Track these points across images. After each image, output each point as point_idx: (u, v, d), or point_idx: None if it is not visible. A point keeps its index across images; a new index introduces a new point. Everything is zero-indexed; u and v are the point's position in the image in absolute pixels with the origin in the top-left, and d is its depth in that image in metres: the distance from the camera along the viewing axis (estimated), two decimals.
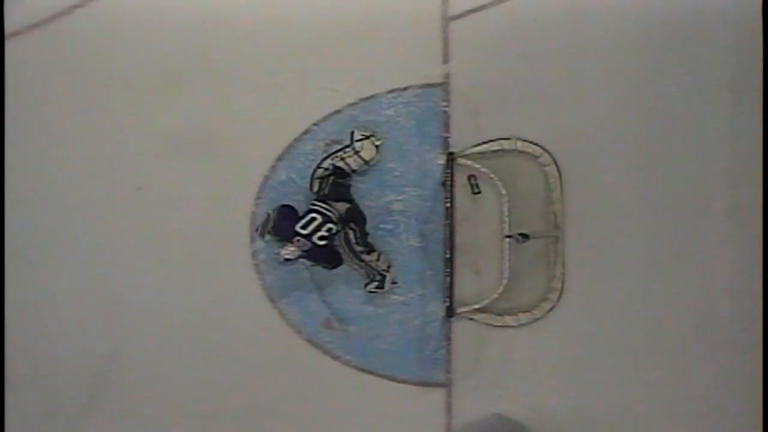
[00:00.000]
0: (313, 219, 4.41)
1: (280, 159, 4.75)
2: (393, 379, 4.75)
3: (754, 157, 4.60)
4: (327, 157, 4.65)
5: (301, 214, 4.48)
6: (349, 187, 4.62)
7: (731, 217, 4.65)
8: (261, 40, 4.75)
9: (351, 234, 4.59)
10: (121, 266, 4.85)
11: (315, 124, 4.73)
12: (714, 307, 4.67)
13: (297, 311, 4.80)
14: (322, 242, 4.41)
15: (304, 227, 4.39)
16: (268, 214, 4.63)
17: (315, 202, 4.48)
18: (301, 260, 4.52)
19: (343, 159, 4.60)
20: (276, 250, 4.50)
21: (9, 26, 4.83)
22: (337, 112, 4.72)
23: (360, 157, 4.59)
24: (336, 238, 4.50)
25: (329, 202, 4.49)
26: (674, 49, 4.68)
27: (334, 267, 4.58)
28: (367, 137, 4.62)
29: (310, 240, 4.39)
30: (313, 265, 4.61)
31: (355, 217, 4.57)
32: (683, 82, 4.67)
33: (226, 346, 4.79)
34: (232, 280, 4.78)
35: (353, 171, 4.63)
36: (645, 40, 4.67)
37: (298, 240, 4.39)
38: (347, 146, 4.62)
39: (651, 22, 4.65)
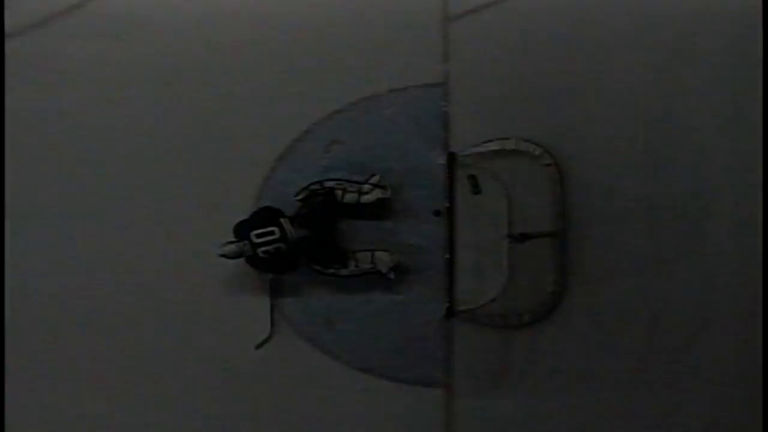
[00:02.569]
0: (272, 232, 4.39)
1: (280, 159, 4.76)
2: (393, 379, 4.75)
3: (754, 157, 4.59)
4: (333, 179, 4.64)
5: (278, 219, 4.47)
6: (329, 217, 4.60)
7: (731, 218, 4.64)
8: (261, 40, 4.76)
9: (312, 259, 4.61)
10: (120, 266, 4.85)
11: (315, 124, 4.73)
12: (714, 307, 4.66)
13: (297, 311, 4.80)
14: (264, 256, 4.40)
15: (259, 236, 4.38)
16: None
17: (284, 219, 4.46)
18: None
19: (344, 190, 4.60)
20: (220, 243, 4.47)
21: (9, 26, 4.84)
22: (338, 111, 4.73)
23: (359, 197, 4.59)
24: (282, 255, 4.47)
25: (295, 224, 4.48)
26: (674, 49, 4.67)
27: (283, 273, 4.56)
28: (381, 187, 4.62)
29: (254, 249, 4.39)
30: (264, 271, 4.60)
31: (310, 246, 4.54)
32: (683, 82, 4.67)
33: (226, 346, 4.79)
34: (233, 280, 4.78)
35: (343, 203, 4.61)
36: (645, 40, 4.67)
37: (244, 243, 4.38)
38: (358, 182, 4.63)
39: (651, 23, 4.65)
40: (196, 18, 4.79)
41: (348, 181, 4.63)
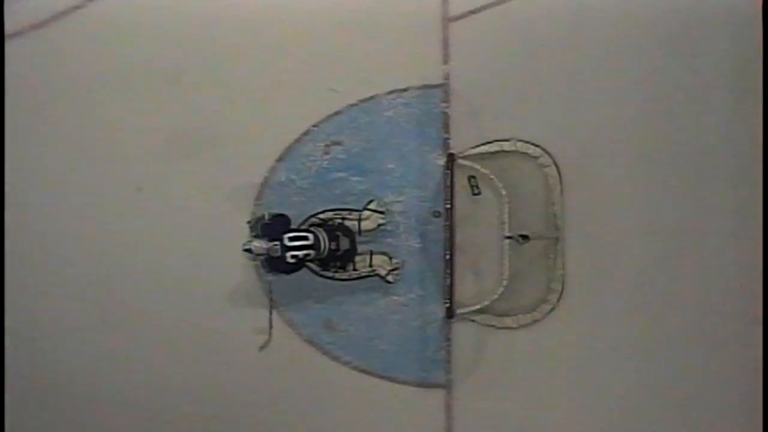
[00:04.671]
0: (305, 238, 4.34)
1: (279, 160, 4.76)
2: (393, 379, 4.76)
3: (754, 157, 4.58)
4: (330, 210, 4.67)
5: (294, 225, 4.44)
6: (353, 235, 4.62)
7: (731, 217, 4.63)
8: (261, 40, 4.76)
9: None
10: (120, 266, 4.85)
11: (315, 125, 4.74)
12: (714, 307, 4.66)
13: (297, 312, 4.81)
14: (292, 260, 4.31)
15: (292, 239, 4.30)
16: (264, 214, 4.56)
17: (318, 229, 4.45)
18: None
19: (343, 219, 4.62)
20: (249, 239, 4.37)
21: (9, 26, 4.83)
22: (337, 113, 4.73)
23: (359, 224, 4.62)
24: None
25: (337, 234, 4.48)
26: (674, 49, 4.66)
27: (288, 274, 4.48)
28: (379, 212, 4.67)
29: (283, 251, 4.29)
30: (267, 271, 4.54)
31: (344, 256, 4.56)
32: (683, 82, 4.66)
33: (225, 346, 4.80)
34: (232, 280, 4.79)
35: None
36: (645, 40, 4.66)
37: (275, 245, 4.29)
38: (356, 209, 4.67)
39: (651, 22, 4.64)
40: (196, 19, 4.78)
41: (345, 209, 4.67)
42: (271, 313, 4.63)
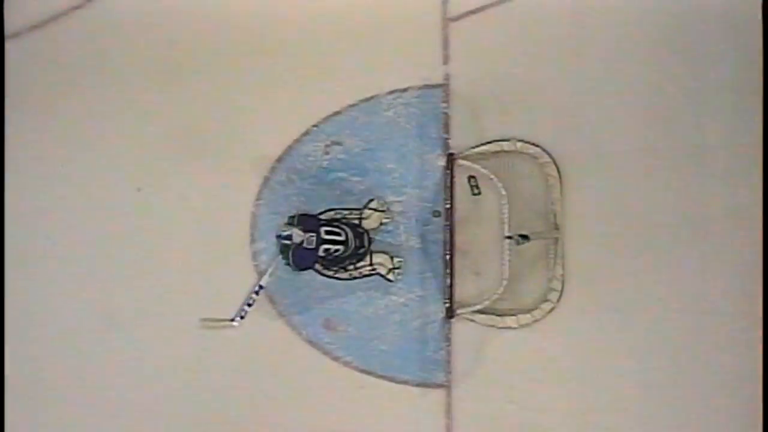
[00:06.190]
0: (338, 233, 4.37)
1: (279, 160, 4.76)
2: (393, 379, 4.76)
3: (754, 157, 4.58)
4: (332, 209, 4.69)
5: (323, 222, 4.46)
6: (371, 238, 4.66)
7: (731, 217, 4.63)
8: (261, 40, 4.77)
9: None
10: (120, 266, 4.86)
11: (315, 126, 4.74)
12: (714, 307, 4.65)
13: (297, 312, 4.81)
14: (322, 254, 4.31)
15: (328, 233, 4.32)
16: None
17: (344, 226, 4.46)
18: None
19: (344, 218, 4.63)
20: (284, 228, 4.32)
21: (9, 27, 4.84)
22: (337, 113, 4.73)
23: (360, 222, 4.63)
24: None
25: (361, 231, 4.53)
26: (674, 49, 4.66)
27: (303, 270, 4.47)
28: (379, 211, 4.67)
29: (318, 243, 4.26)
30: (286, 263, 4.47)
31: (363, 254, 4.60)
32: (683, 82, 4.66)
33: (225, 346, 4.80)
34: (232, 280, 4.79)
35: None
36: (645, 40, 4.66)
37: (311, 235, 4.27)
38: (357, 208, 4.68)
39: (651, 23, 4.64)
40: (196, 19, 4.79)
41: (346, 208, 4.68)
42: (255, 294, 4.66)
